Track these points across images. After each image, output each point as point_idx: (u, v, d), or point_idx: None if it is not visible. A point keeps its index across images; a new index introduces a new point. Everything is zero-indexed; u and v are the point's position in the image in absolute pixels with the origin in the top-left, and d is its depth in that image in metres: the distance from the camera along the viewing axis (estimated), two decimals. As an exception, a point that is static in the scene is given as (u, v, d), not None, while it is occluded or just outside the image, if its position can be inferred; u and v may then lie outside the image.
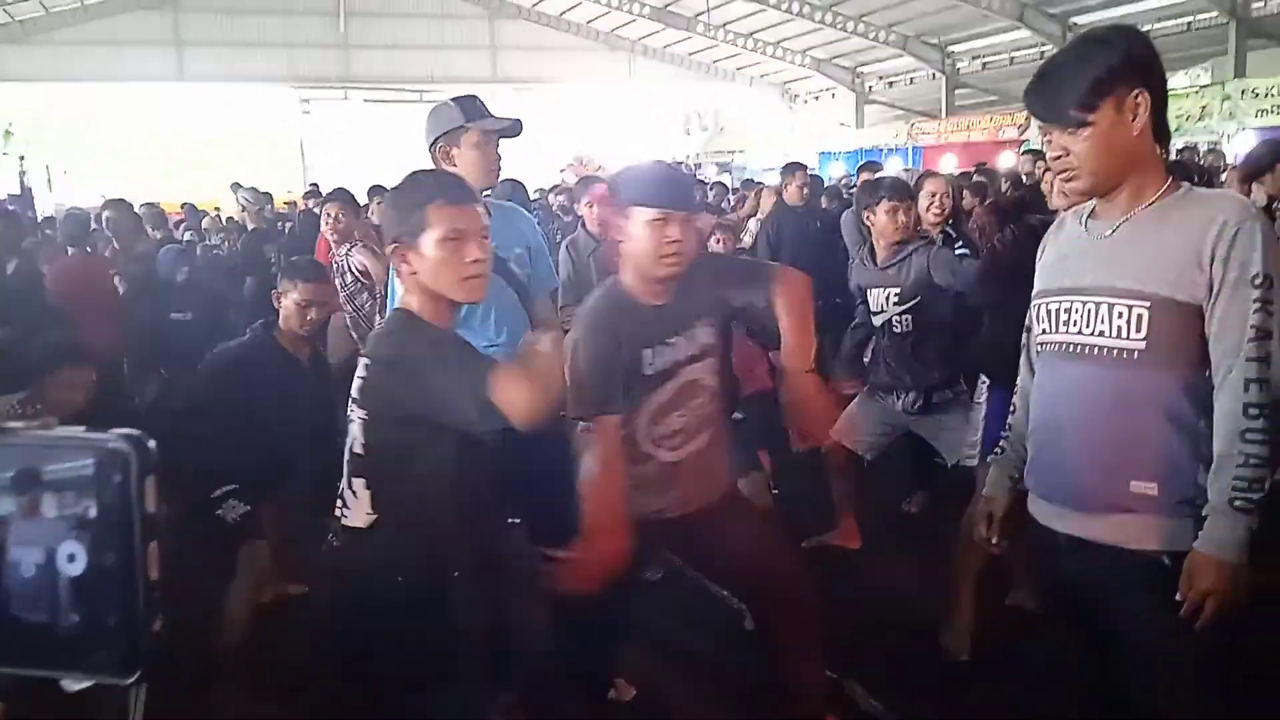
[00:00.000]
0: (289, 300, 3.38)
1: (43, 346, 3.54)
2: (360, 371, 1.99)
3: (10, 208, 11.27)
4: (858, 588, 3.80)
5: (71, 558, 0.35)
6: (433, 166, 2.96)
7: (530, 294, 3.05)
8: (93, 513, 0.36)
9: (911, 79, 21.78)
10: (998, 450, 2.25)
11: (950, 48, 20.18)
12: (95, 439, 0.36)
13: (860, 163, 10.52)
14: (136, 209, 8.21)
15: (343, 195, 5.43)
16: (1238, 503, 1.71)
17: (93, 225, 7.04)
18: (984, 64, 19.89)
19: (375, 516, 1.97)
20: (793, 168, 7.03)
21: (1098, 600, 1.94)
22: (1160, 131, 1.84)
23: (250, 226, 8.95)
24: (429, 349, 1.94)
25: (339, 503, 2.03)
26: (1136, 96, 1.78)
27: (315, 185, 10.29)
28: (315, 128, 22.32)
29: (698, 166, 18.67)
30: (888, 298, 3.95)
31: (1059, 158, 1.86)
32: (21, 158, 16.92)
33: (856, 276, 4.24)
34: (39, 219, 11.29)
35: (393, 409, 1.94)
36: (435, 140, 2.95)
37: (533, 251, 3.13)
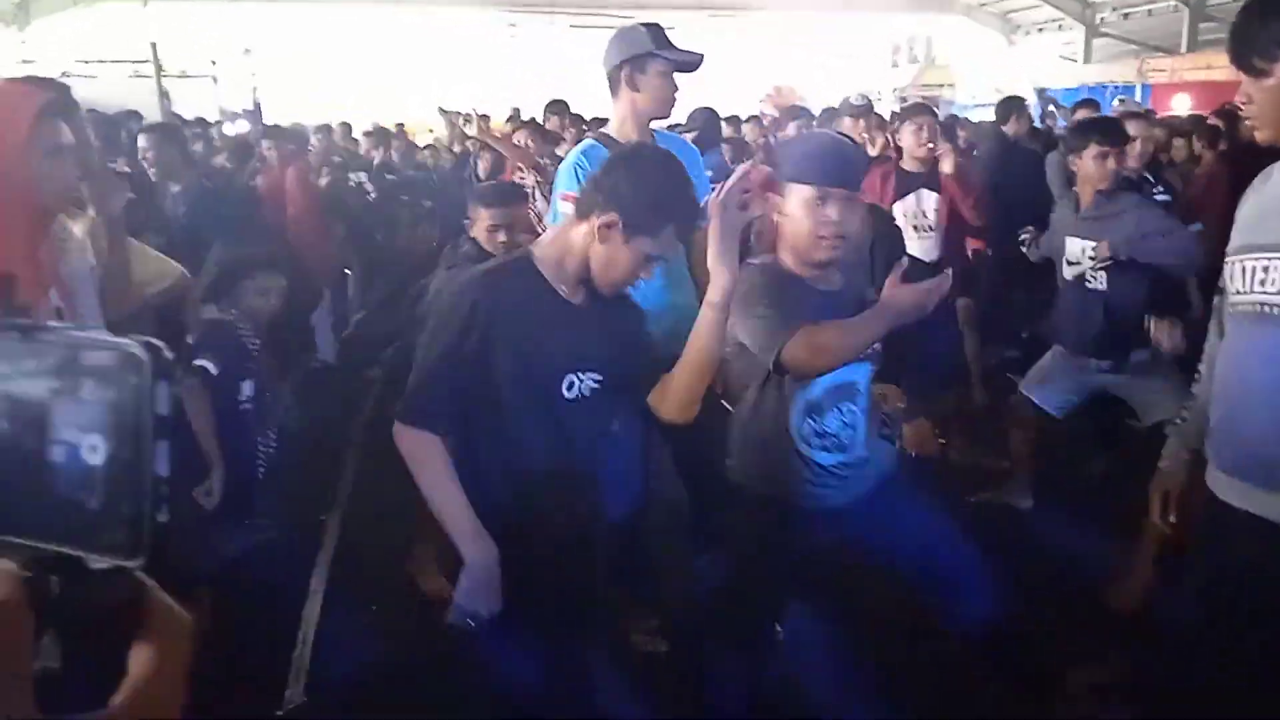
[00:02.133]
0: (479, 226, 3.51)
1: (236, 256, 3.82)
2: None
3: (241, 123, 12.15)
4: (1022, 549, 3.64)
5: (94, 448, 0.39)
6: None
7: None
8: (112, 410, 0.39)
9: (1150, 10, 20.06)
10: (1177, 420, 2.12)
11: (1196, -24, 18.44)
12: (117, 342, 0.40)
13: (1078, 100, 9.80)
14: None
15: (532, 123, 5.57)
16: None
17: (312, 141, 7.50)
18: (1234, -5, 18.11)
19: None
20: (1010, 103, 6.59)
21: (1276, 588, 1.81)
22: None
23: (455, 149, 9.29)
24: None
25: None
26: None
27: (517, 110, 10.51)
28: (520, 52, 22.74)
29: (903, 101, 17.91)
30: (1084, 250, 3.72)
31: (1245, 104, 1.77)
32: (254, 75, 18.11)
33: (1055, 222, 4.01)
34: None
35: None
36: (620, 64, 2.96)
37: (697, 189, 3.11)
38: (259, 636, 3.19)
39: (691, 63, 2.93)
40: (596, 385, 2.03)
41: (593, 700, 2.18)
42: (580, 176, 2.87)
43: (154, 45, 14.31)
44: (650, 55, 2.89)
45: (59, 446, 0.40)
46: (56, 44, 17.28)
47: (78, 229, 2.33)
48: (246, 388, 3.67)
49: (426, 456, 1.95)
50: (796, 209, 2.27)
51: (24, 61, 13.40)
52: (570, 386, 2.00)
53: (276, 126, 7.08)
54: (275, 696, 2.98)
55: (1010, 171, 5.76)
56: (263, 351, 3.84)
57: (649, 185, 1.95)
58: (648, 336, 2.19)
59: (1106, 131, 3.75)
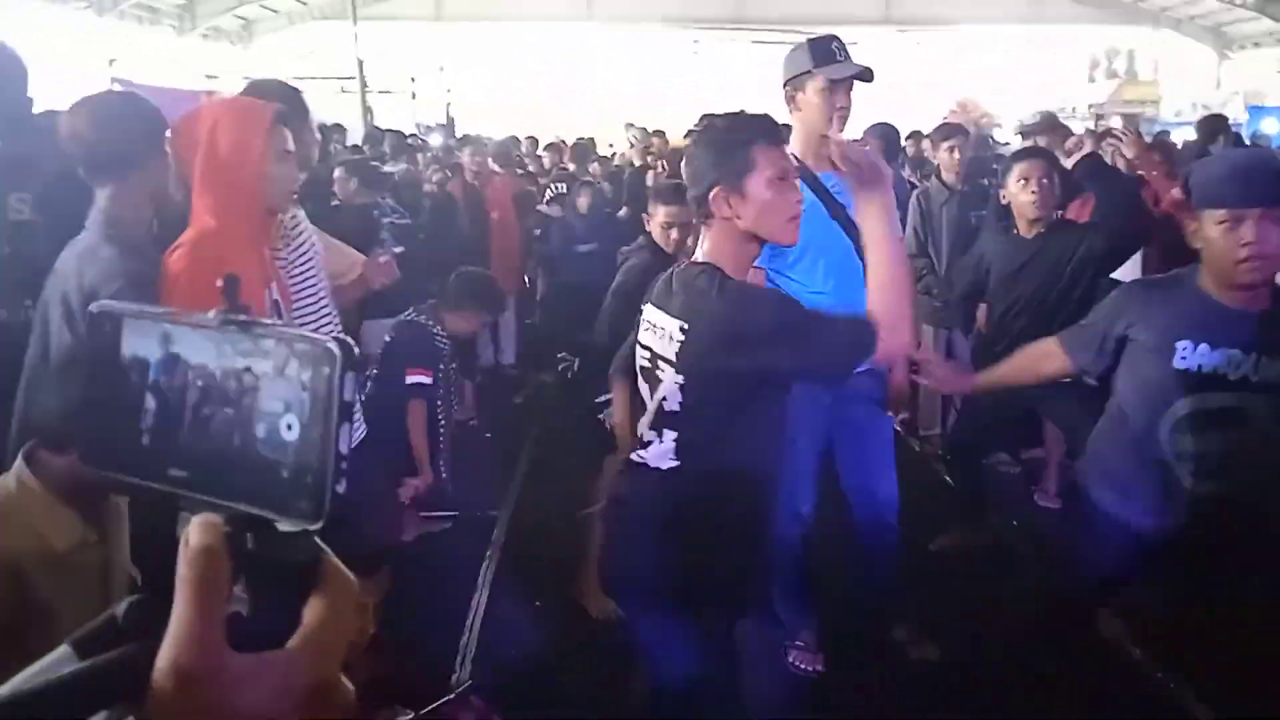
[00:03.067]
0: (654, 222, 3.64)
1: (457, 284, 4.07)
2: (678, 334, 2.00)
3: (435, 137, 12.77)
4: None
5: (290, 426, 0.48)
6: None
7: None
8: (307, 394, 0.48)
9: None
10: None
11: None
12: (315, 338, 0.48)
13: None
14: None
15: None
16: None
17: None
18: None
19: (678, 464, 2.04)
20: (1213, 121, 6.25)
21: None
22: None
23: (636, 163, 9.52)
24: (768, 315, 1.95)
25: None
26: None
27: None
28: (703, 69, 22.96)
29: (1099, 118, 17.08)
30: None
31: None
32: (449, 90, 19.00)
33: None
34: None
35: (720, 371, 1.96)
36: (786, 83, 2.98)
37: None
38: (431, 620, 3.37)
39: (853, 77, 2.88)
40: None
41: (740, 704, 2.20)
42: None
43: (360, 62, 15.23)
44: (809, 73, 2.89)
45: (262, 424, 0.49)
46: (275, 60, 18.61)
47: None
48: (439, 390, 3.92)
49: None
50: (1212, 233, 2.19)
51: (245, 77, 14.48)
52: None
53: (470, 136, 7.51)
54: (444, 678, 3.14)
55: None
56: (451, 354, 4.09)
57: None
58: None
59: None
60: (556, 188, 7.69)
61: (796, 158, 2.93)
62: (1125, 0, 22.43)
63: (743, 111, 2.10)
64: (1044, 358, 2.52)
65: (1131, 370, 2.32)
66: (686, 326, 1.98)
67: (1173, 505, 2.28)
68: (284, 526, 0.49)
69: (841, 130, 3.00)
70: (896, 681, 3.12)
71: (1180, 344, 2.19)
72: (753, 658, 2.21)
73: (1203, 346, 2.18)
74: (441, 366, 3.90)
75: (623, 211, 7.20)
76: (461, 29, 22.71)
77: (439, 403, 3.85)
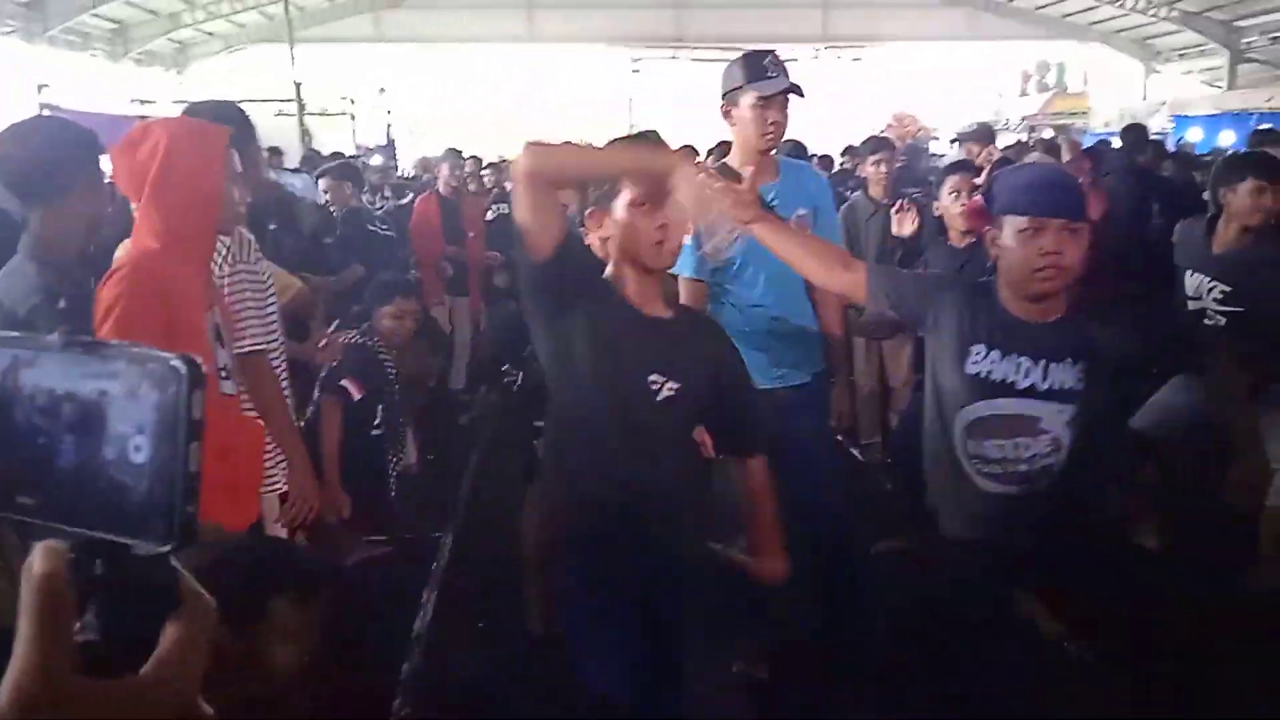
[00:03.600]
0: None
1: (378, 282, 4.03)
2: None
3: (376, 158, 12.70)
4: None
5: (138, 448, 0.47)
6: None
7: None
8: (156, 415, 0.47)
9: (1303, 33, 19.11)
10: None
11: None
12: (163, 357, 0.47)
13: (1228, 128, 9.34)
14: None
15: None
16: None
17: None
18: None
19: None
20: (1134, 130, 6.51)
21: None
22: None
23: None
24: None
25: None
26: None
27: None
28: (643, 88, 23.13)
29: (1032, 130, 17.48)
30: (1210, 290, 3.55)
31: None
32: (389, 112, 18.91)
33: (1180, 252, 3.86)
34: (399, 169, 12.63)
35: None
36: (723, 97, 3.02)
37: (818, 213, 3.11)
38: (374, 644, 3.32)
39: (783, 92, 2.90)
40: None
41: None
42: None
43: (298, 85, 15.11)
44: (740, 89, 2.92)
45: (111, 447, 0.48)
46: (209, 85, 18.39)
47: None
48: (380, 411, 3.87)
49: None
50: (1010, 240, 2.22)
51: (177, 101, 14.28)
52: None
53: (455, 151, 7.51)
54: (386, 704, 3.09)
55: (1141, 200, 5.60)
56: (398, 374, 4.05)
57: None
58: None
59: (1267, 166, 3.56)
60: (498, 208, 7.67)
61: (735, 171, 2.96)
62: (1055, 15, 23.01)
63: (627, 134, 2.18)
64: (843, 271, 2.42)
65: (931, 371, 2.35)
66: None
67: (968, 505, 2.32)
68: (138, 550, 0.48)
69: (773, 145, 3.02)
70: (843, 686, 3.12)
71: (974, 348, 2.23)
72: (693, 670, 2.19)
73: (994, 353, 2.22)
74: (384, 389, 3.87)
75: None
76: (401, 50, 22.65)
77: (379, 426, 3.80)
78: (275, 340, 2.73)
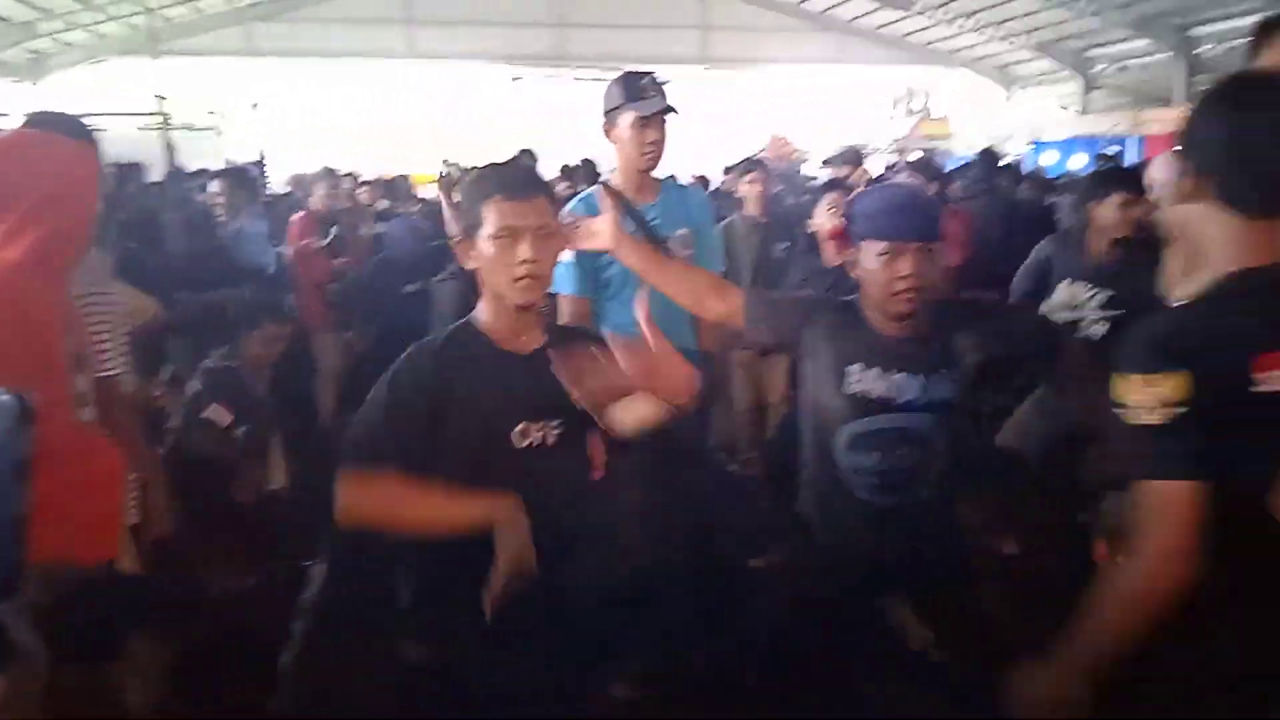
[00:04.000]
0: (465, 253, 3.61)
1: (241, 304, 3.91)
2: None
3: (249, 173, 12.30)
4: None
5: None
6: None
7: None
8: None
9: (1145, 62, 20.28)
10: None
11: (1190, 30, 18.64)
12: None
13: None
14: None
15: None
16: None
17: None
18: (1229, 48, 18.26)
19: None
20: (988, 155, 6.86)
21: None
22: None
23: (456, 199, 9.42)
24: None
25: None
26: None
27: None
28: (524, 106, 23.06)
29: (900, 153, 18.10)
30: (1091, 296, 3.69)
31: None
32: (260, 127, 18.37)
33: (1056, 264, 4.01)
34: (269, 186, 12.27)
35: None
36: (604, 116, 3.04)
37: (700, 232, 3.14)
38: (241, 677, 3.20)
39: (659, 113, 2.95)
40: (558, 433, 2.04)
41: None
42: None
43: (161, 98, 14.55)
44: (619, 109, 2.95)
45: None
46: (68, 97, 17.52)
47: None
48: (243, 435, 3.75)
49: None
50: (870, 263, 2.28)
51: (31, 114, 13.60)
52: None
53: (330, 170, 7.02)
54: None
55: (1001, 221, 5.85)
56: (264, 399, 3.93)
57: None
58: None
59: (1130, 181, 3.75)
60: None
61: (616, 190, 2.98)
62: (920, 42, 23.89)
63: (495, 163, 2.12)
64: (718, 300, 2.42)
65: (809, 389, 2.41)
66: None
67: (846, 517, 2.40)
68: None
69: (653, 165, 3.05)
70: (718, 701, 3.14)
71: (851, 368, 2.30)
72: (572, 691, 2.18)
73: (872, 371, 2.29)
74: (253, 413, 3.75)
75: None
76: (275, 64, 22.02)
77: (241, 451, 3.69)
78: (125, 365, 2.63)
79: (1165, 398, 1.46)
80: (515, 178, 2.01)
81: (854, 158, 6.05)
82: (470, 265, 2.03)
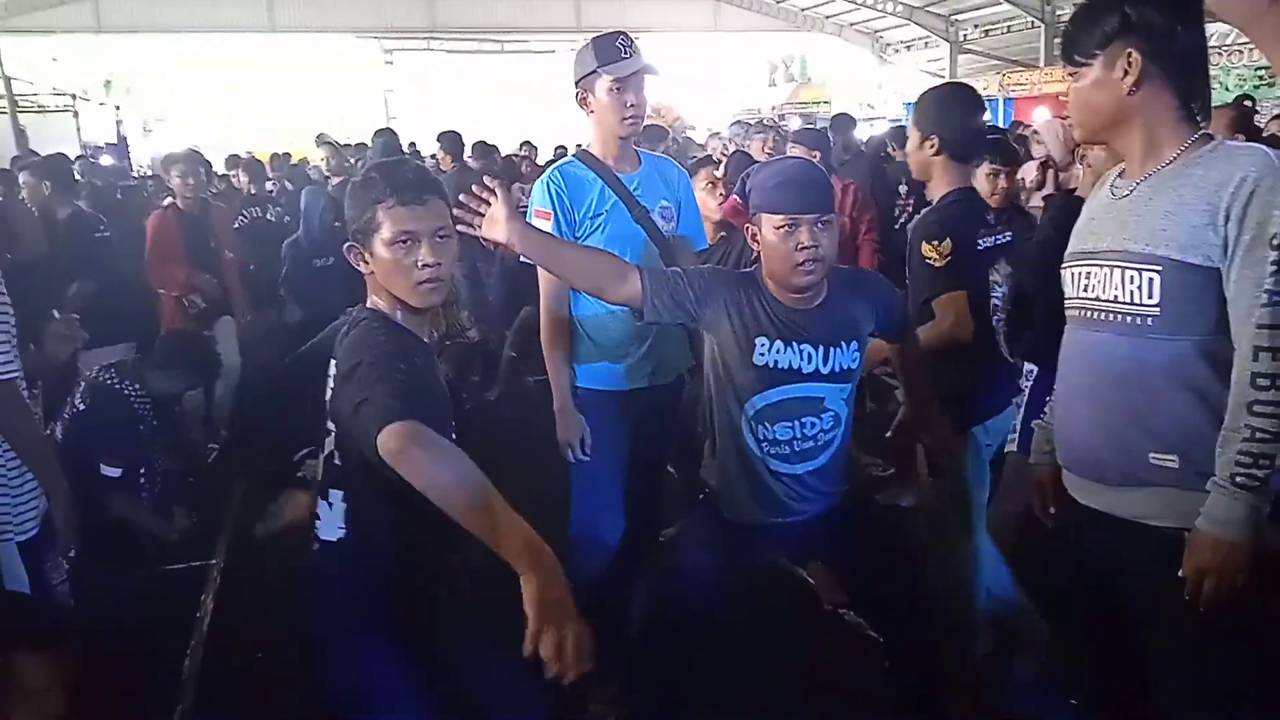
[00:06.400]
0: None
1: (168, 343, 3.81)
2: (331, 377, 1.91)
3: (105, 158, 11.70)
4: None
5: None
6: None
7: (672, 249, 2.93)
8: None
9: (1009, 26, 20.99)
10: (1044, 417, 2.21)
11: (1051, -8, 19.36)
12: None
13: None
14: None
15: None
16: (1239, 479, 1.63)
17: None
18: (1086, 10, 18.98)
19: (344, 531, 1.91)
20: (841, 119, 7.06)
21: (1117, 576, 1.89)
22: (1189, 90, 1.78)
23: (332, 178, 9.09)
24: (392, 353, 1.80)
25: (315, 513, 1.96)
26: (1129, 56, 1.75)
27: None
28: (399, 79, 22.53)
29: (781, 118, 18.33)
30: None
31: (1067, 100, 1.91)
32: (117, 108, 17.49)
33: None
34: (133, 168, 11.68)
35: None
36: (576, 84, 2.86)
37: (681, 205, 3.03)
38: (142, 685, 3.07)
39: (639, 72, 2.79)
40: None
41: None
42: (553, 193, 2.82)
43: (8, 80, 13.73)
44: (595, 74, 2.82)
45: None
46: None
47: None
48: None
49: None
50: (770, 236, 2.27)
51: None
52: None
53: (195, 152, 6.37)
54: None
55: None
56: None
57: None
58: None
59: (999, 149, 3.61)
60: (249, 213, 7.13)
61: (597, 158, 2.86)
62: (794, 9, 24.18)
63: (383, 164, 1.96)
64: (619, 283, 2.34)
65: (716, 364, 2.41)
66: (334, 371, 1.91)
67: (757, 486, 2.41)
68: None
69: (634, 130, 2.90)
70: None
71: (759, 340, 2.31)
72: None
73: (777, 344, 2.31)
74: (138, 438, 3.64)
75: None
76: (132, 41, 20.94)
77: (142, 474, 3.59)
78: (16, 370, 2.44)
79: (944, 252, 2.65)
80: (409, 181, 1.90)
81: (762, 128, 6.02)
82: (365, 269, 1.93)
